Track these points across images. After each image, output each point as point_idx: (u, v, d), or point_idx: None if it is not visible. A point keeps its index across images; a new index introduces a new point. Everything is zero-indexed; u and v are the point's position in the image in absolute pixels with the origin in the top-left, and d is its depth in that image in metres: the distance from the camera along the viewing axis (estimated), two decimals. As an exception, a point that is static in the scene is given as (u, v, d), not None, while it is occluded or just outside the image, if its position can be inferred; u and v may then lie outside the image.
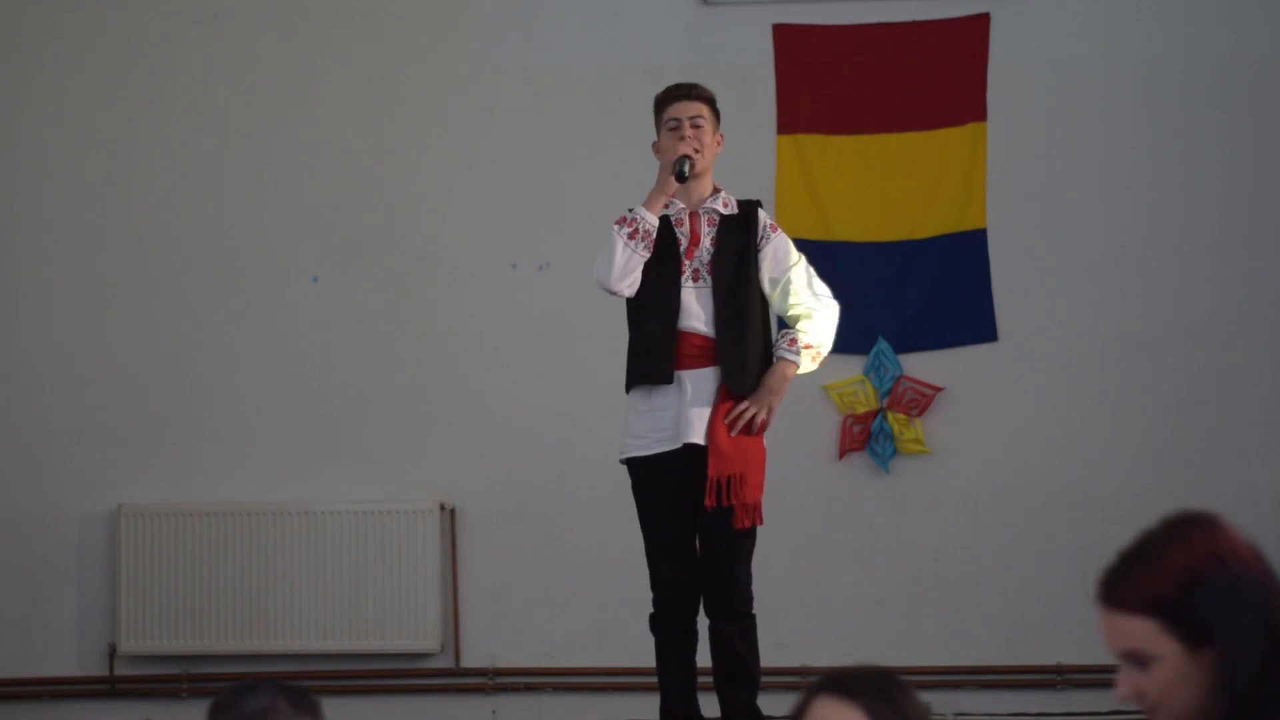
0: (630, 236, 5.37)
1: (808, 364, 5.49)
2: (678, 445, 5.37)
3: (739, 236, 5.48)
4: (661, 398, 5.40)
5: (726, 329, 5.39)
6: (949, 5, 7.33)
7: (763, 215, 5.56)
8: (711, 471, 5.31)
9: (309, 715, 2.38)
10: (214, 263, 7.46)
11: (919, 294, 7.31)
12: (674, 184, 5.43)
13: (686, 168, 5.41)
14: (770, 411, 5.39)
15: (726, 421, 5.34)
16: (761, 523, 5.41)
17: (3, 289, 7.52)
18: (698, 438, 5.35)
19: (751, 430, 5.36)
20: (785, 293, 5.50)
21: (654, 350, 5.41)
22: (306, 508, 7.32)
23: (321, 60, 7.48)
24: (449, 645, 7.32)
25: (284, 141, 7.47)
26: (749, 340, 5.43)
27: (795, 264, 5.53)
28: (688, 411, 5.36)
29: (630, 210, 5.46)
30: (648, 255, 5.39)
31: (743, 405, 5.35)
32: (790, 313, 5.50)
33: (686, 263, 5.44)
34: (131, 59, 7.50)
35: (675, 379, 5.39)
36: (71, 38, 7.51)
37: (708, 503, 5.30)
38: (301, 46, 7.49)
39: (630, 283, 5.39)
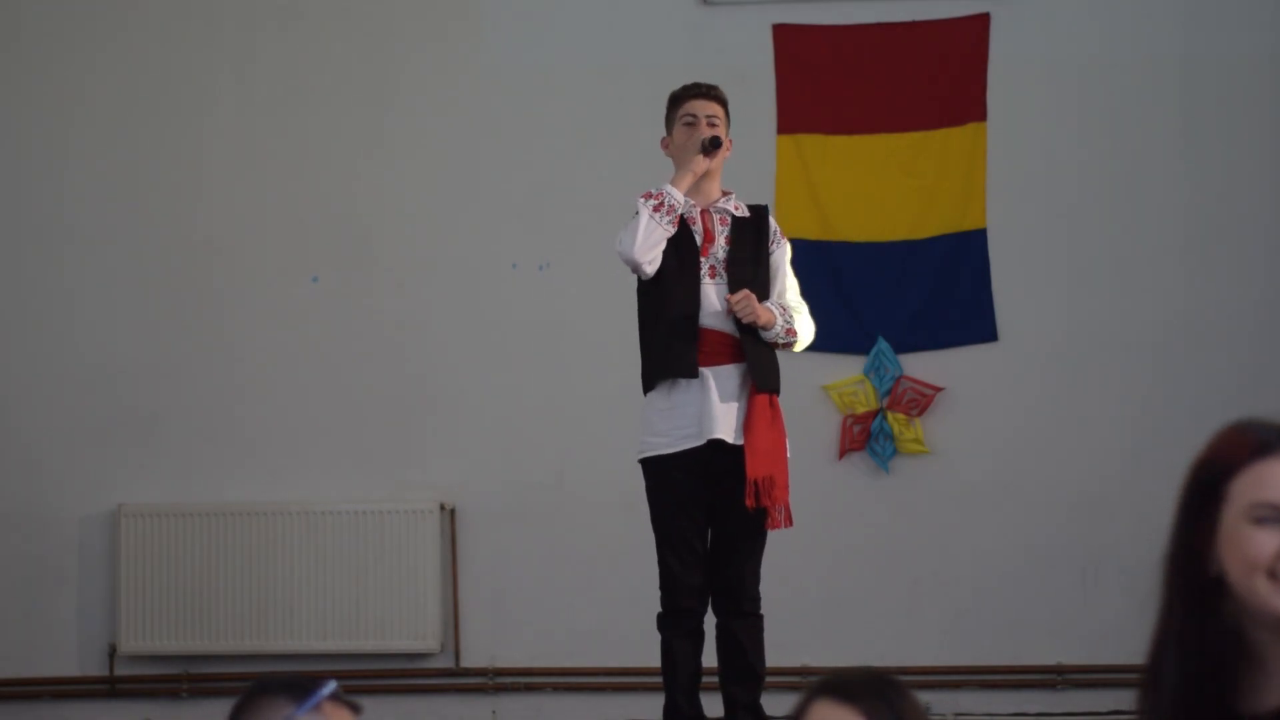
0: (656, 209, 5.38)
1: (780, 333, 5.48)
2: (701, 442, 5.38)
3: (754, 238, 5.54)
4: (684, 394, 5.40)
5: (747, 327, 5.42)
6: (949, 5, 7.33)
7: (774, 222, 5.65)
8: (750, 473, 5.32)
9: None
10: (214, 263, 7.46)
11: (919, 294, 7.32)
12: (703, 163, 5.47)
13: (711, 143, 5.45)
14: (753, 312, 5.38)
15: (732, 298, 5.37)
16: (791, 524, 5.42)
17: (3, 290, 7.52)
18: (724, 434, 5.36)
19: (744, 313, 5.36)
20: (779, 294, 5.60)
21: (677, 345, 5.41)
22: (306, 508, 7.32)
23: (321, 60, 7.48)
24: (449, 645, 7.33)
25: (284, 141, 7.47)
26: (761, 338, 5.47)
27: (789, 274, 5.64)
28: (712, 408, 5.37)
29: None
30: (672, 231, 5.40)
31: (744, 297, 5.37)
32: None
33: (703, 260, 5.46)
34: (131, 60, 7.51)
35: (699, 374, 5.40)
36: (72, 41, 7.51)
37: (748, 503, 5.31)
38: (301, 47, 7.49)
39: (653, 259, 5.39)
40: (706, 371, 5.39)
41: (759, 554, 5.47)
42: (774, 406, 5.45)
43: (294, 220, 7.47)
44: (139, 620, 7.31)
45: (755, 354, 5.43)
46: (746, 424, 5.37)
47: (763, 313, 5.41)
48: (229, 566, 7.30)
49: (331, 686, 2.37)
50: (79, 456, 7.43)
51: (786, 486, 5.40)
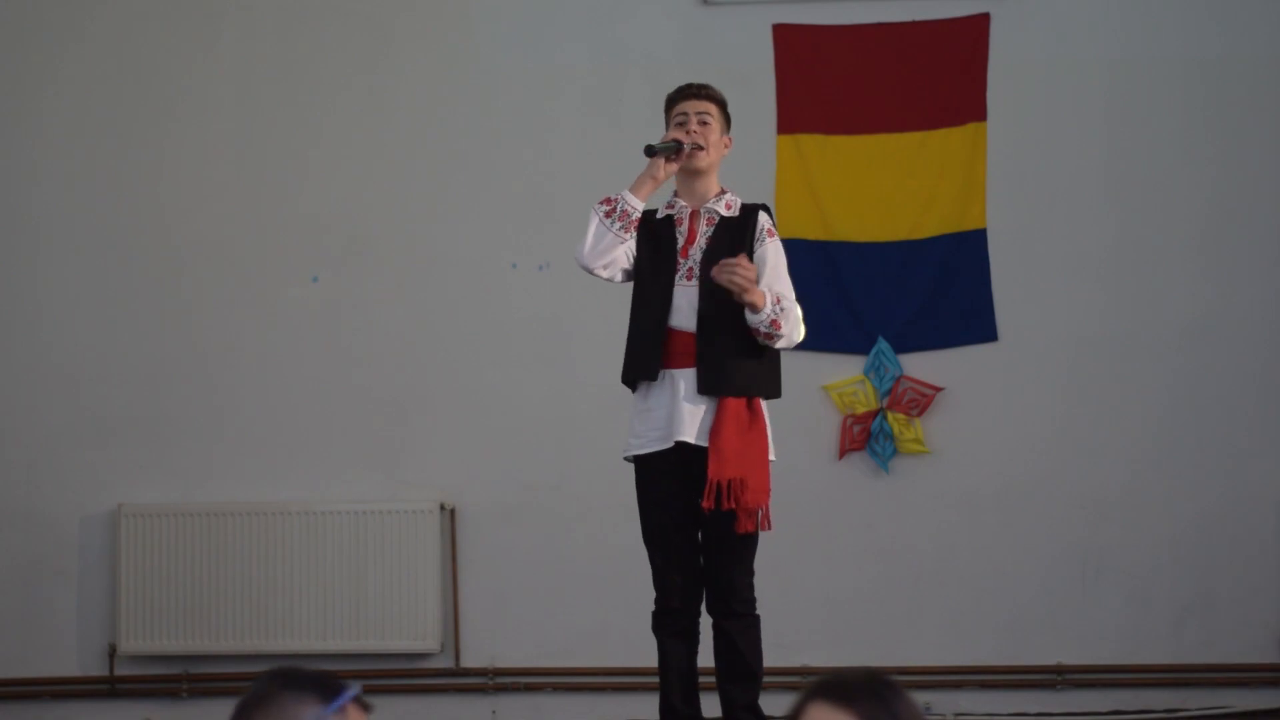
0: (607, 215, 5.36)
1: (765, 321, 5.27)
2: (670, 444, 5.36)
3: (732, 238, 5.44)
4: (656, 397, 5.38)
5: (706, 328, 5.35)
6: (949, 5, 7.33)
7: (763, 219, 5.50)
8: (711, 474, 5.27)
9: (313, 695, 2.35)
10: (214, 263, 7.46)
11: (919, 294, 7.31)
12: (660, 167, 5.41)
13: (669, 144, 5.39)
14: (739, 283, 5.19)
15: (723, 262, 5.20)
16: (769, 528, 5.32)
17: (4, 290, 7.52)
18: (688, 436, 5.32)
19: (725, 274, 5.18)
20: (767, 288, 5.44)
21: (644, 347, 5.39)
22: (306, 508, 7.32)
23: (322, 60, 7.49)
24: (449, 645, 7.33)
25: (284, 142, 7.48)
26: (730, 340, 5.36)
27: (780, 275, 5.45)
28: (679, 410, 5.35)
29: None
30: (626, 237, 5.37)
31: (737, 264, 5.20)
32: None
33: (681, 261, 5.43)
34: (134, 63, 7.51)
35: (664, 377, 5.37)
36: (79, 44, 7.51)
37: (705, 505, 5.25)
38: (302, 47, 7.49)
39: (606, 264, 5.37)
40: (674, 374, 5.36)
41: (747, 556, 5.39)
42: (752, 408, 5.38)
43: (294, 220, 7.47)
44: (139, 620, 7.31)
45: (709, 356, 5.32)
46: (713, 426, 5.31)
47: (751, 290, 5.22)
48: (229, 566, 7.30)
49: (356, 689, 2.36)
50: (79, 456, 7.43)
51: (765, 489, 5.30)
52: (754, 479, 5.27)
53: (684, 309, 5.39)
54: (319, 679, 2.35)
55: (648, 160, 5.42)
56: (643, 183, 5.43)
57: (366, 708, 2.39)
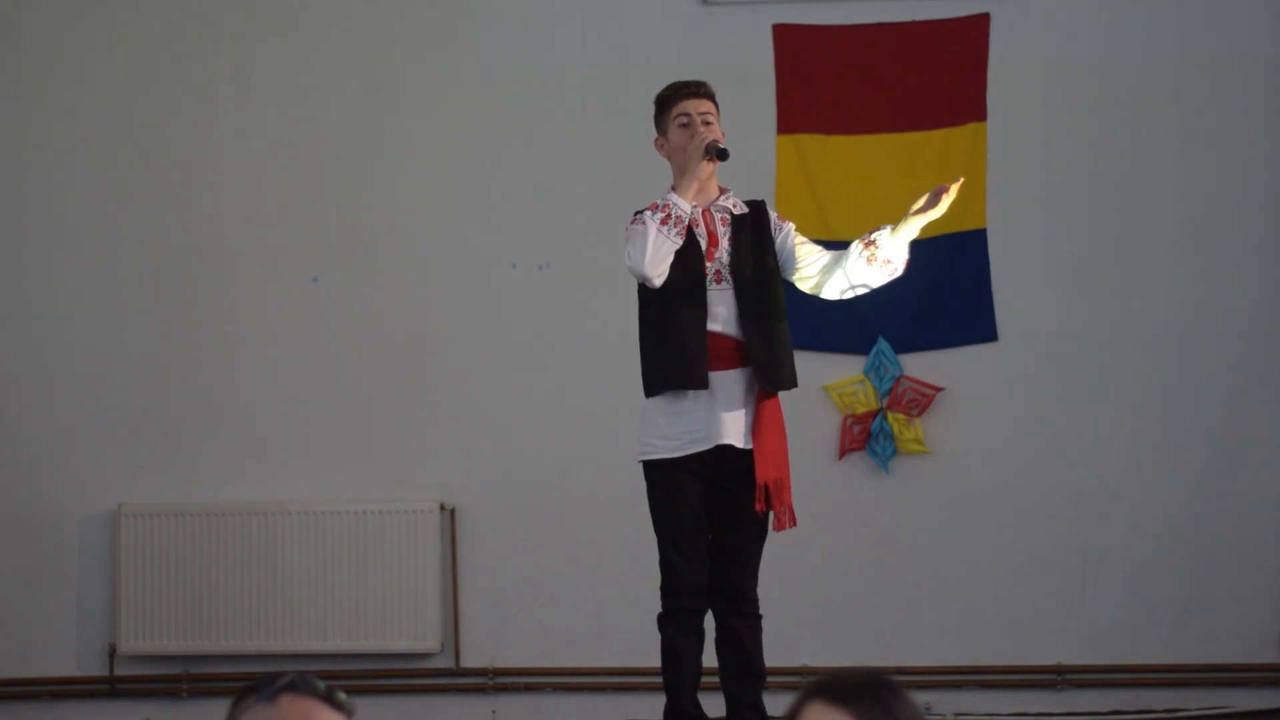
0: (663, 222, 5.33)
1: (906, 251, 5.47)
2: (709, 446, 5.36)
3: (753, 235, 5.48)
4: (692, 400, 5.36)
5: (752, 329, 5.37)
6: (949, 5, 7.33)
7: (771, 211, 5.58)
8: (760, 477, 5.32)
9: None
10: (214, 263, 7.46)
11: (919, 294, 7.30)
12: (708, 169, 5.42)
13: (720, 154, 5.40)
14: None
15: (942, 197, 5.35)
16: (795, 524, 5.41)
17: (4, 290, 7.52)
18: (732, 439, 5.34)
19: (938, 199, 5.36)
20: (803, 255, 5.50)
21: (686, 355, 5.34)
22: (306, 508, 7.32)
23: (322, 61, 7.48)
24: (449, 645, 7.33)
25: (285, 142, 7.47)
26: (776, 337, 5.41)
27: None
28: (719, 414, 5.35)
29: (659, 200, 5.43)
30: (680, 242, 5.34)
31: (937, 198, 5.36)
32: (818, 261, 5.52)
33: (708, 265, 5.42)
34: (131, 62, 7.51)
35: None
36: (72, 42, 7.51)
37: (758, 507, 5.31)
38: (301, 46, 7.49)
39: (662, 272, 5.32)
40: (713, 376, 5.37)
41: (759, 556, 5.47)
42: (778, 408, 5.44)
43: (294, 220, 7.47)
44: (139, 620, 7.31)
45: (762, 354, 5.37)
46: (755, 428, 5.35)
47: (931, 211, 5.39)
48: (229, 566, 7.30)
49: (288, 679, 2.36)
50: (79, 456, 7.43)
51: (790, 487, 5.39)
52: (786, 477, 5.39)
53: (718, 313, 5.39)
54: (265, 680, 2.38)
55: (705, 161, 5.40)
56: (688, 185, 5.40)
57: (337, 703, 2.37)
